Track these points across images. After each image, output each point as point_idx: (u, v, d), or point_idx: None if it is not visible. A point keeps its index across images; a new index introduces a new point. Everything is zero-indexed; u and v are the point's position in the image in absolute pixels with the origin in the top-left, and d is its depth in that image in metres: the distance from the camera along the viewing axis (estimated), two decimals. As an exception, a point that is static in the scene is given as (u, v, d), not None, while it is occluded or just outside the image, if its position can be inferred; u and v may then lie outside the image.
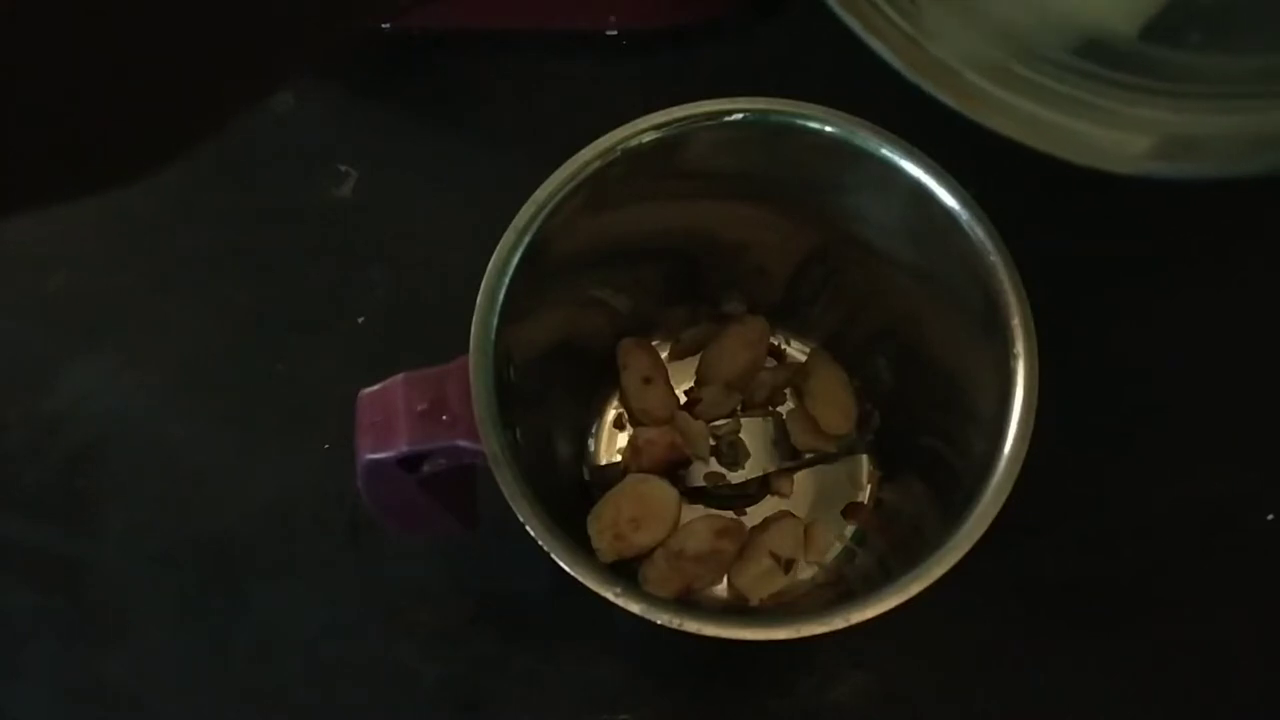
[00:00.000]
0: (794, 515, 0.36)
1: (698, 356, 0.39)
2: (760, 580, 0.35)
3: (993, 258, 0.31)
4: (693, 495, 0.37)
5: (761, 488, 0.37)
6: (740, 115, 0.32)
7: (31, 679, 0.38)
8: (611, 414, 0.39)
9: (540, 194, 0.32)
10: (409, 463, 0.30)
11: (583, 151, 0.32)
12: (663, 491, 0.35)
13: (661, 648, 0.38)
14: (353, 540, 0.39)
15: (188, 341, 0.42)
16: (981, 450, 0.30)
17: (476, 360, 0.30)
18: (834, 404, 0.37)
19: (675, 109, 0.32)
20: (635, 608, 0.28)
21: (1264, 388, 0.40)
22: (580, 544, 0.31)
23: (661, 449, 0.36)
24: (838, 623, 0.27)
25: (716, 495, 0.37)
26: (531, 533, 0.28)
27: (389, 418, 0.30)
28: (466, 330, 0.30)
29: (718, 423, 0.38)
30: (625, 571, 0.34)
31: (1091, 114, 0.34)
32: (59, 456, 0.40)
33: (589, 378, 0.38)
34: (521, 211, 0.31)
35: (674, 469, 0.36)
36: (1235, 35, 0.29)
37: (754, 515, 0.37)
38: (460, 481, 0.34)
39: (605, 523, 0.34)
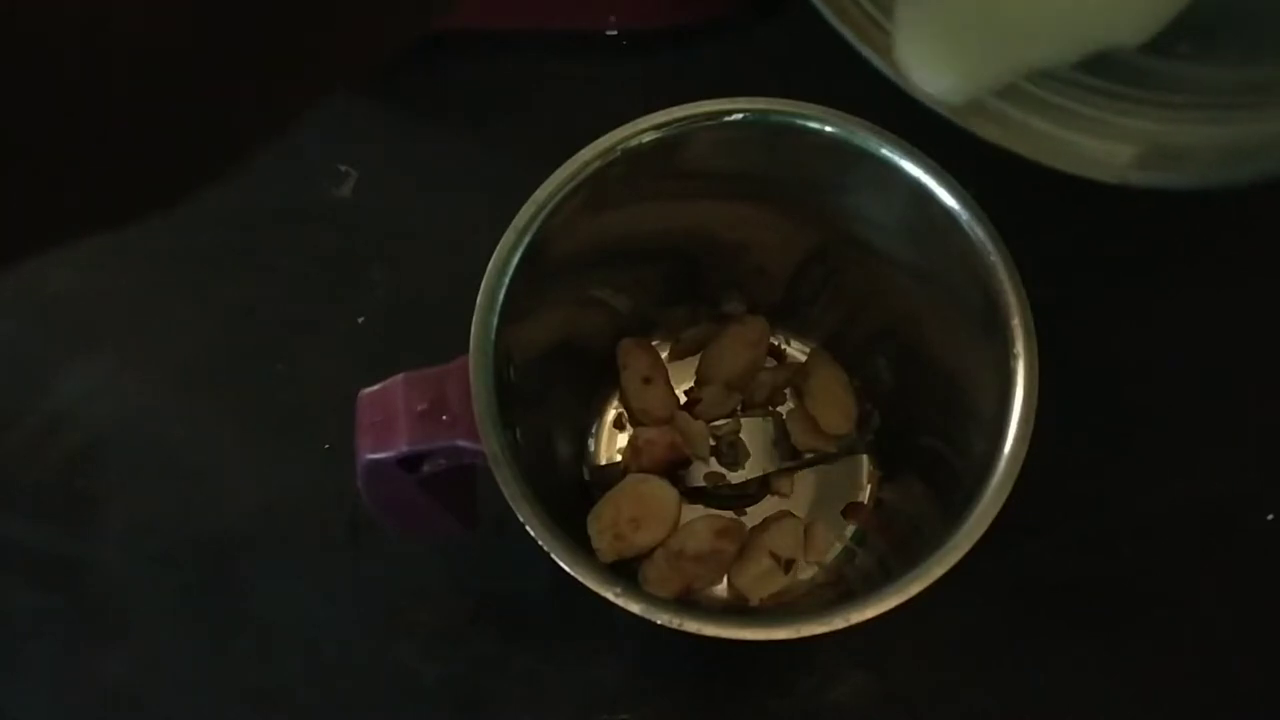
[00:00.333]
0: (794, 515, 0.36)
1: (698, 356, 0.39)
2: (760, 580, 0.35)
3: (993, 257, 0.31)
4: (693, 495, 0.37)
5: (761, 488, 0.37)
6: (740, 115, 0.32)
7: (31, 679, 0.38)
8: (611, 414, 0.39)
9: (540, 194, 0.32)
10: (409, 463, 0.30)
11: (583, 151, 0.32)
12: (663, 491, 0.35)
13: (661, 648, 0.38)
14: (353, 540, 0.39)
15: (188, 341, 0.42)
16: (981, 450, 0.30)
17: (476, 360, 0.30)
18: (834, 404, 0.37)
19: (675, 109, 0.32)
20: (635, 608, 0.28)
21: (1264, 388, 0.40)
22: (580, 544, 0.31)
23: (661, 449, 0.36)
24: (838, 623, 0.27)
25: (716, 495, 0.37)
26: (531, 533, 0.28)
27: (389, 418, 0.30)
28: (466, 330, 0.30)
29: (718, 423, 0.38)
30: (625, 571, 0.34)
31: (1081, 123, 0.34)
32: (59, 456, 0.40)
33: (589, 378, 0.38)
34: (521, 211, 0.31)
35: (674, 469, 0.36)
36: (1223, 46, 0.29)
37: (754, 515, 0.37)
38: (460, 481, 0.34)
39: (605, 523, 0.34)
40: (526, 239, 0.31)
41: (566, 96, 0.44)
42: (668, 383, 0.38)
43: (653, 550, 0.34)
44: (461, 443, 0.29)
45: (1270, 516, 0.39)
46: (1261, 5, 0.32)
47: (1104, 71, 0.34)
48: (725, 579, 0.36)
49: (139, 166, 0.17)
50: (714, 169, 0.34)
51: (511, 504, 0.28)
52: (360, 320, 0.42)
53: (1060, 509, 0.38)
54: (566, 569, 0.28)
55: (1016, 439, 0.29)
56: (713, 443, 0.37)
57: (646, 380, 0.37)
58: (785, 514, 0.36)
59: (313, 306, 0.42)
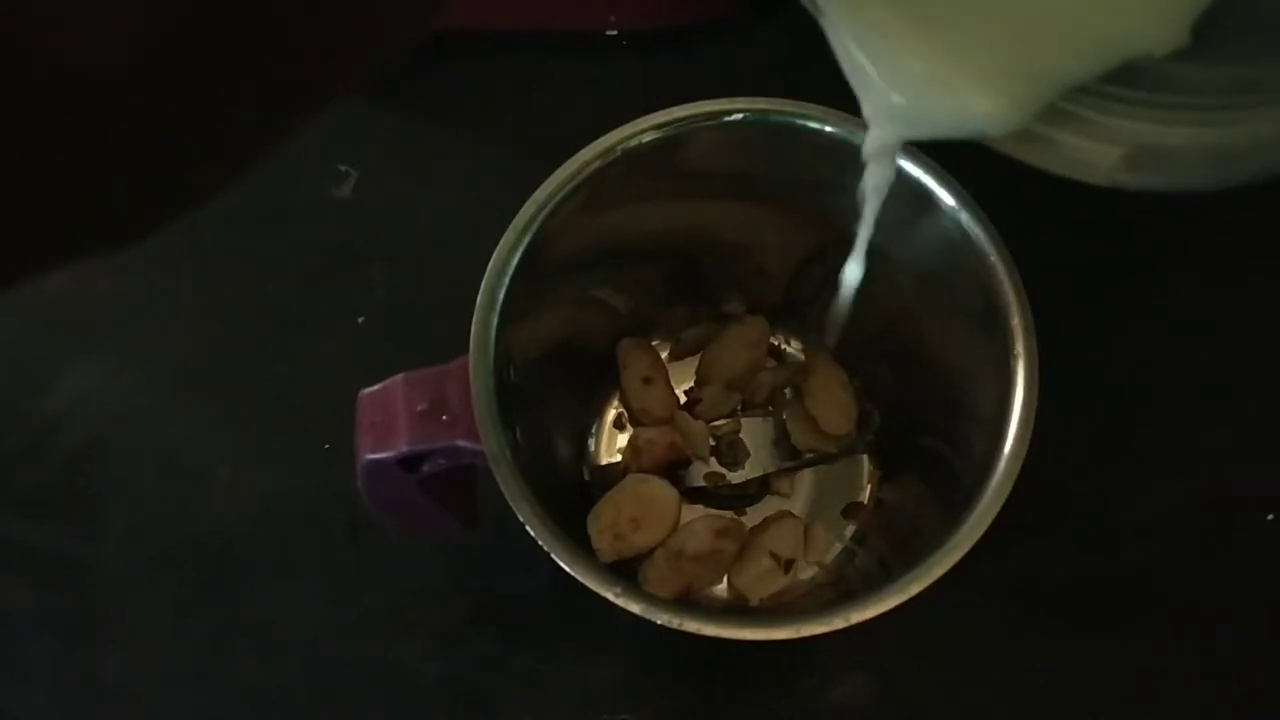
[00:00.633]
0: (794, 515, 0.36)
1: (698, 356, 0.39)
2: (760, 580, 0.35)
3: (992, 258, 0.31)
4: (693, 495, 0.37)
5: (761, 488, 0.37)
6: (740, 115, 0.32)
7: (31, 679, 0.38)
8: (611, 414, 0.39)
9: (540, 194, 0.32)
10: (409, 463, 0.30)
11: (583, 151, 0.32)
12: (663, 491, 0.35)
13: (661, 648, 0.38)
14: (353, 540, 0.39)
15: (187, 341, 0.42)
16: (981, 450, 0.30)
17: (476, 360, 0.30)
18: (834, 404, 0.37)
19: (675, 109, 0.32)
20: (635, 608, 0.28)
21: (1264, 388, 0.40)
22: (580, 544, 0.31)
23: (661, 449, 0.36)
24: (838, 623, 0.27)
25: (716, 495, 0.37)
26: (531, 533, 0.28)
27: (389, 418, 0.30)
28: (466, 330, 0.30)
29: (718, 423, 0.38)
30: (625, 571, 0.34)
31: (1070, 123, 0.34)
32: (59, 456, 0.40)
33: (589, 378, 0.38)
34: (521, 211, 0.31)
35: (674, 469, 0.36)
36: (1213, 46, 0.29)
37: (754, 515, 0.37)
38: (460, 481, 0.34)
39: (605, 523, 0.34)
40: (526, 239, 0.31)
41: (566, 96, 0.44)
42: (668, 383, 0.38)
43: (653, 550, 0.34)
44: (461, 443, 0.29)
45: (1270, 516, 0.39)
46: (1252, 5, 0.32)
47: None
48: (725, 579, 0.36)
49: (139, 181, 0.17)
50: (714, 169, 0.34)
51: (511, 504, 0.28)
52: (360, 320, 0.42)
53: (1060, 509, 0.38)
54: (566, 569, 0.28)
55: (1016, 439, 0.29)
56: (713, 443, 0.37)
57: (646, 380, 0.37)
58: (785, 514, 0.36)
59: (313, 307, 0.42)
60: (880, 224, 0.32)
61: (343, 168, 0.44)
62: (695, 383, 0.38)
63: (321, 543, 0.39)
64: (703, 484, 0.37)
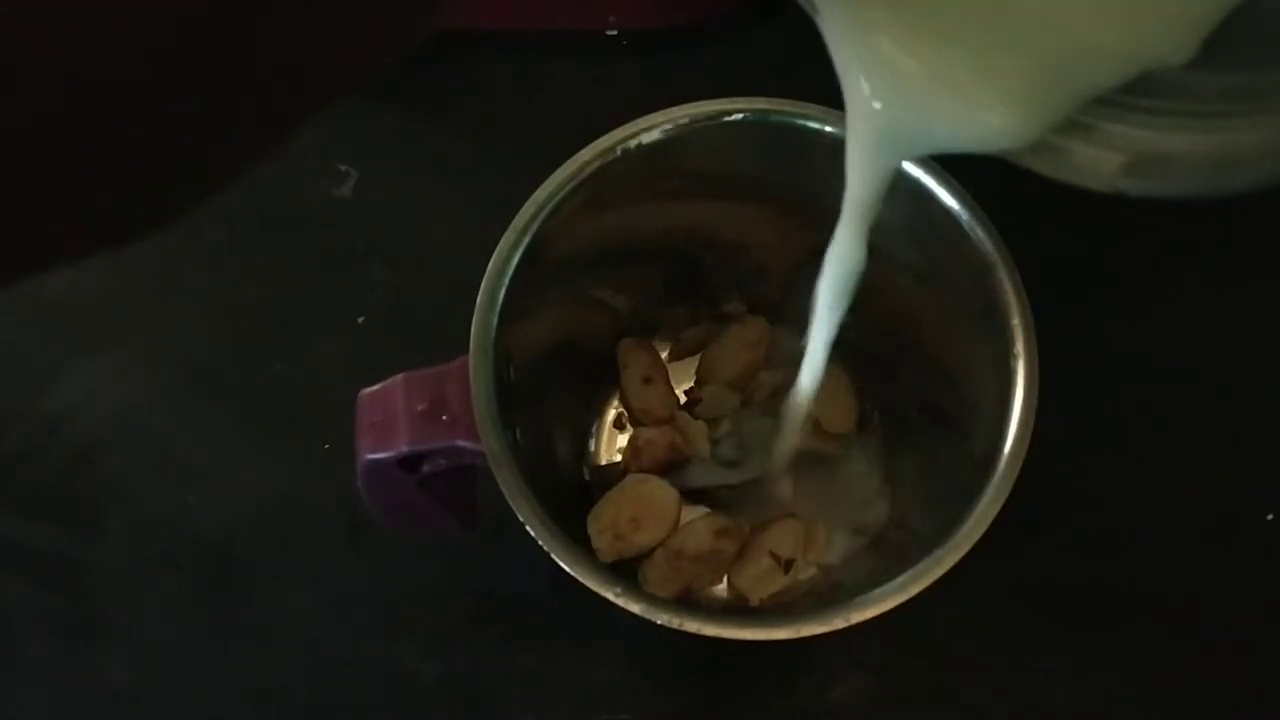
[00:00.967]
0: (794, 515, 0.36)
1: (698, 356, 0.39)
2: (760, 580, 0.35)
3: (993, 257, 0.31)
4: (693, 495, 0.37)
5: (761, 488, 0.37)
6: (740, 115, 0.32)
7: (31, 679, 0.38)
8: (611, 414, 0.39)
9: (540, 194, 0.32)
10: (409, 463, 0.30)
11: (583, 151, 0.32)
12: (663, 491, 0.35)
13: (662, 648, 0.38)
14: (353, 540, 0.39)
15: (187, 341, 0.42)
16: (981, 450, 0.30)
17: (476, 360, 0.30)
18: (834, 404, 0.37)
19: (675, 109, 0.32)
20: (635, 608, 0.28)
21: (1264, 388, 0.40)
22: (580, 544, 0.31)
23: (662, 449, 0.36)
24: (838, 623, 0.27)
25: (717, 495, 0.37)
26: (531, 533, 0.28)
27: (389, 418, 0.30)
28: (466, 330, 0.30)
29: (718, 423, 0.38)
30: (625, 572, 0.34)
31: (1071, 129, 0.34)
32: (59, 456, 0.40)
33: (589, 378, 0.38)
34: (521, 211, 0.31)
35: (674, 469, 0.36)
36: (1214, 51, 0.29)
37: (754, 515, 0.37)
38: (460, 482, 0.34)
39: (605, 523, 0.34)
40: (526, 239, 0.31)
41: (566, 96, 0.44)
42: (668, 383, 0.38)
43: (653, 550, 0.34)
44: (461, 443, 0.29)
45: (1270, 517, 0.39)
46: (1254, 10, 0.32)
47: None
48: (725, 579, 0.35)
49: (137, 181, 0.17)
50: (714, 169, 0.34)
51: (511, 504, 0.28)
52: (360, 320, 0.42)
53: (1060, 509, 0.38)
54: (566, 569, 0.28)
55: (1016, 439, 0.29)
56: (713, 443, 0.37)
57: (647, 380, 0.37)
58: (785, 514, 0.36)
59: (313, 307, 0.42)
60: (881, 224, 0.32)
61: (343, 168, 0.44)
62: (695, 383, 0.38)
63: (321, 543, 0.39)
64: (703, 484, 0.37)
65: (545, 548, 0.28)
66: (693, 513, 0.36)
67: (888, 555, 0.35)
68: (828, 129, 0.32)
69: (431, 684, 0.37)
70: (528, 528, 0.28)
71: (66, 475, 0.40)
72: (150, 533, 0.39)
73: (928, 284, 0.33)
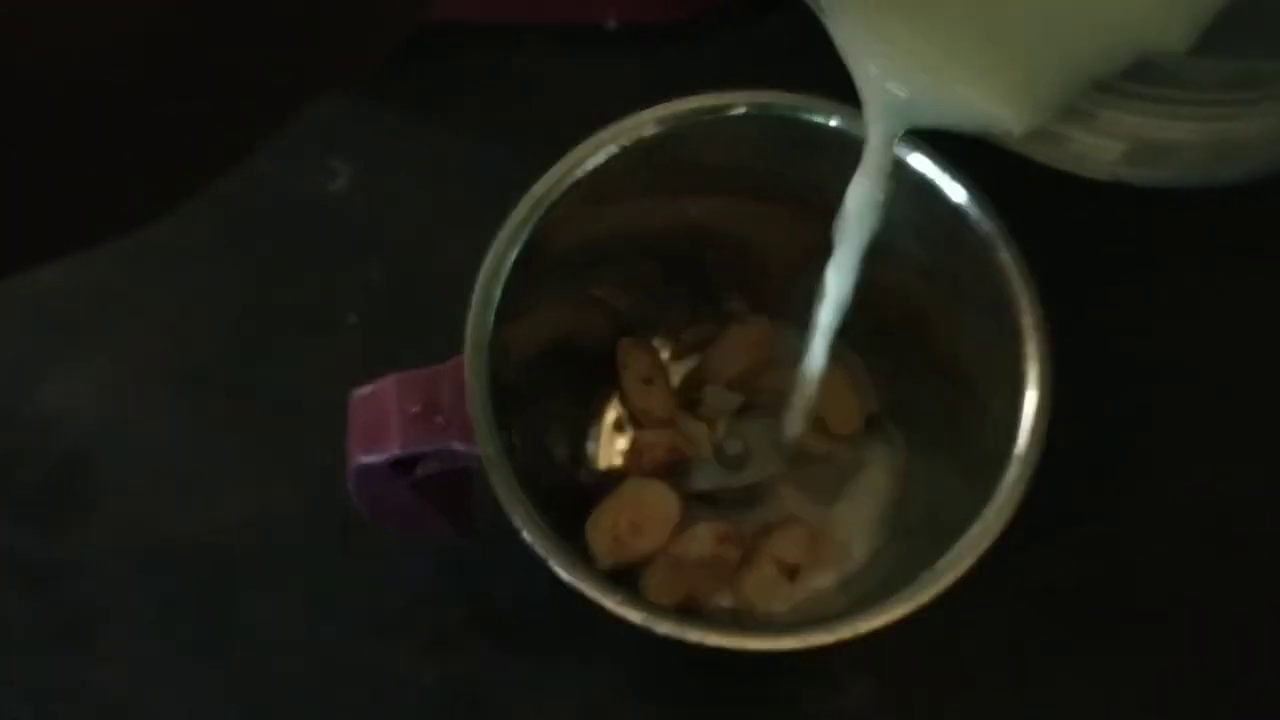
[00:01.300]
0: (799, 520, 0.36)
1: (698, 356, 0.38)
2: (765, 587, 0.34)
3: (1002, 254, 0.31)
4: (695, 500, 0.36)
5: (765, 491, 0.37)
6: (742, 109, 0.32)
7: (18, 685, 0.38)
8: (611, 415, 0.38)
9: (538, 189, 0.31)
10: (402, 466, 0.30)
11: (580, 147, 0.32)
12: (663, 496, 0.34)
13: (662, 654, 0.37)
14: (346, 544, 0.38)
15: (178, 341, 0.41)
16: (991, 453, 0.30)
17: (472, 360, 0.30)
18: (840, 405, 0.36)
19: (676, 103, 0.32)
20: (636, 617, 0.27)
21: (1267, 388, 0.40)
22: (579, 549, 0.31)
23: (662, 451, 0.35)
24: (845, 632, 0.27)
25: (719, 500, 0.36)
26: (528, 538, 0.28)
27: (381, 420, 0.30)
28: (462, 329, 0.30)
29: (719, 424, 0.37)
30: (625, 578, 0.33)
31: (1072, 118, 0.34)
32: (47, 459, 0.40)
33: (588, 378, 0.38)
34: (518, 207, 0.31)
35: (675, 472, 0.36)
36: (1214, 39, 0.29)
37: (758, 520, 0.36)
38: (455, 485, 0.33)
39: (604, 528, 0.33)
40: (523, 235, 0.31)
41: (565, 91, 0.44)
42: (668, 383, 0.37)
43: (653, 556, 0.34)
44: (456, 445, 0.29)
45: (1272, 517, 0.38)
46: None
47: None
48: (730, 586, 0.35)
49: (132, 171, 0.17)
50: (715, 164, 0.34)
51: (506, 508, 0.28)
52: (353, 320, 0.41)
53: (1065, 512, 0.37)
54: (564, 576, 0.28)
55: (1029, 442, 0.29)
56: (715, 445, 0.37)
57: (647, 381, 0.37)
58: (790, 519, 0.36)
59: (304, 305, 0.42)
60: (887, 219, 0.32)
61: (335, 163, 0.43)
62: (696, 383, 0.38)
63: (314, 547, 0.38)
64: (705, 488, 0.36)
65: (541, 554, 0.28)
66: (695, 518, 0.36)
67: (895, 560, 0.34)
68: (831, 122, 0.32)
69: (428, 688, 0.37)
70: (523, 533, 0.28)
71: (55, 479, 0.40)
72: (140, 535, 0.39)
73: (935, 281, 0.33)
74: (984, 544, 0.28)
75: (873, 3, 0.27)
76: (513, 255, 0.31)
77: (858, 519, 0.37)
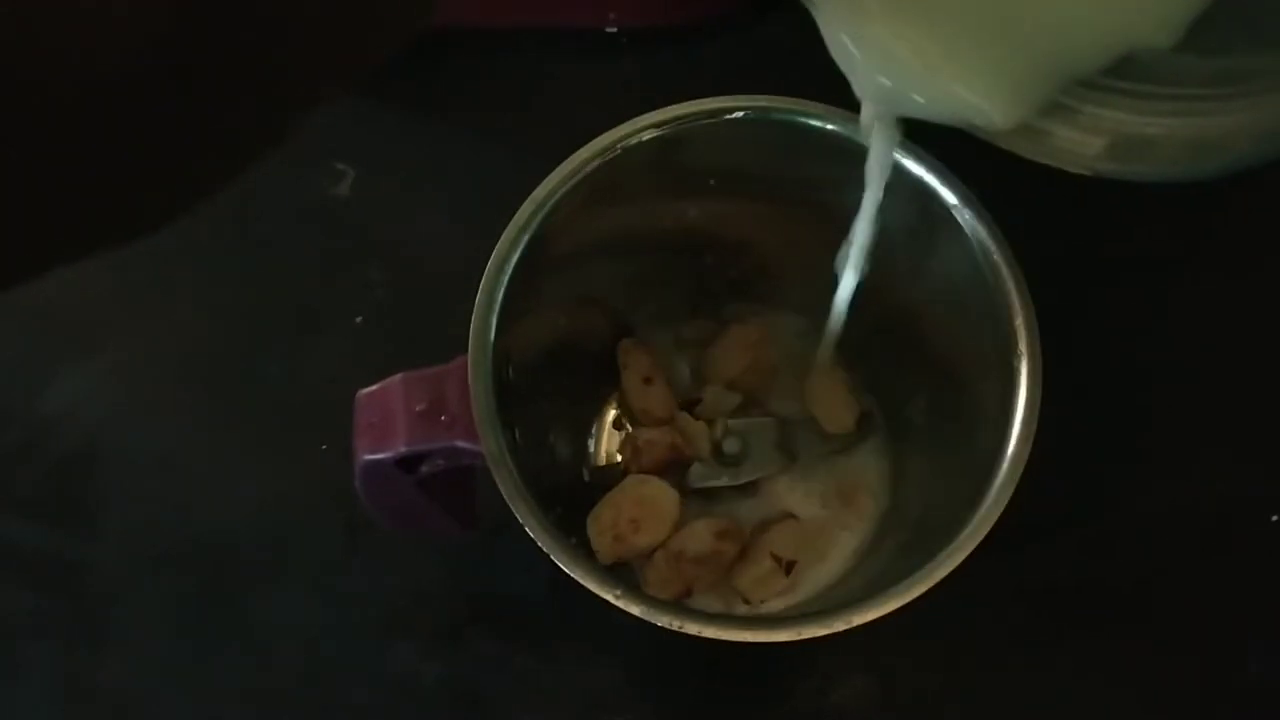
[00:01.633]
0: (796, 516, 0.36)
1: (698, 356, 0.38)
2: (761, 582, 0.35)
3: (995, 256, 0.31)
4: (693, 496, 0.37)
5: (762, 489, 0.37)
6: (741, 113, 0.32)
7: (29, 683, 0.38)
8: (611, 414, 0.38)
9: (539, 192, 0.31)
10: (407, 463, 0.30)
11: (582, 150, 0.32)
12: (663, 493, 0.34)
13: (661, 649, 0.38)
14: (351, 541, 0.39)
15: (184, 341, 0.42)
16: (984, 451, 0.30)
17: (476, 360, 0.30)
18: (836, 404, 0.37)
19: (675, 107, 0.32)
20: (636, 610, 0.27)
21: (1266, 388, 0.40)
22: (580, 545, 0.31)
23: (662, 450, 0.36)
24: (838, 625, 0.27)
25: (717, 496, 0.37)
26: (530, 534, 0.28)
27: (387, 418, 0.30)
28: (465, 330, 0.30)
29: (718, 423, 0.38)
30: (625, 573, 0.34)
31: (1054, 113, 0.34)
32: (56, 458, 0.40)
33: (589, 378, 0.38)
34: (521, 209, 0.31)
35: (674, 470, 0.36)
36: (1195, 35, 0.29)
37: (755, 516, 0.37)
38: (459, 482, 0.33)
39: (605, 524, 0.34)
40: (526, 237, 0.31)
41: (566, 95, 0.44)
42: (668, 383, 0.37)
43: (653, 552, 0.34)
44: (460, 443, 0.29)
45: (1274, 518, 0.38)
46: None
47: None
48: (727, 581, 0.35)
49: (139, 181, 0.17)
50: (714, 167, 0.34)
51: (510, 505, 0.28)
52: (359, 320, 0.41)
53: (1061, 510, 0.38)
54: (566, 570, 0.28)
55: (1019, 440, 0.29)
56: (713, 444, 0.37)
57: (647, 380, 0.37)
58: (787, 515, 0.36)
59: (310, 306, 0.42)
60: (882, 222, 0.32)
61: (340, 166, 0.44)
62: (695, 383, 0.38)
63: (320, 544, 0.39)
64: (703, 485, 0.37)
65: (544, 549, 0.28)
66: (693, 514, 0.36)
67: (889, 557, 0.35)
68: (829, 126, 0.32)
69: (431, 685, 0.37)
70: (526, 529, 0.28)
71: (63, 476, 0.40)
72: (147, 533, 0.39)
73: (930, 282, 0.33)
74: (976, 540, 0.28)
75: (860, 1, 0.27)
76: (515, 256, 0.31)
77: (852, 516, 0.37)
